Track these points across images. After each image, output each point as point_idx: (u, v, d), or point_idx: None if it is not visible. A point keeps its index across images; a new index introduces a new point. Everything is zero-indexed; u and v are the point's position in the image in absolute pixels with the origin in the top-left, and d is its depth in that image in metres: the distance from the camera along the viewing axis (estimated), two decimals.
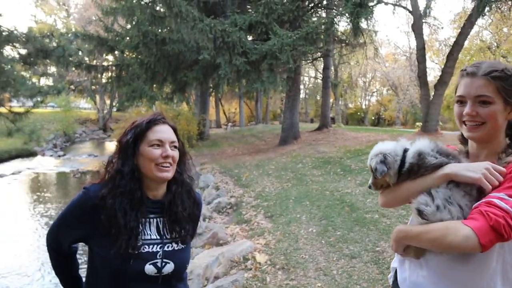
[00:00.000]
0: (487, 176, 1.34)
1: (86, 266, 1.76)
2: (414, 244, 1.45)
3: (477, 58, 30.72)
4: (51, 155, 25.24)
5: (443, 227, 1.32)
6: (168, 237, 1.73)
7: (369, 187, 1.66)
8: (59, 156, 25.14)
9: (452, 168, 1.42)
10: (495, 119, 1.42)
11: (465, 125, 1.49)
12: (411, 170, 1.51)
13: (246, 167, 12.41)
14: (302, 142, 15.56)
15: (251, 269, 4.91)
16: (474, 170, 1.37)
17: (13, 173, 17.53)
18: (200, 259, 5.68)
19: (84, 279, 1.80)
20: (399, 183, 1.56)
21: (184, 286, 1.85)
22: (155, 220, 1.73)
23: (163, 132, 1.71)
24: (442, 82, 15.23)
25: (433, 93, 15.63)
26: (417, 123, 23.02)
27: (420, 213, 1.41)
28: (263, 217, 7.13)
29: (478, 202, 1.32)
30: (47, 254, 1.83)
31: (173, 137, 1.74)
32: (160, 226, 1.73)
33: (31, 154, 24.04)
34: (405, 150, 1.55)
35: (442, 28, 44.40)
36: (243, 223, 7.07)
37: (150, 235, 1.69)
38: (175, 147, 1.74)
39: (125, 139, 1.70)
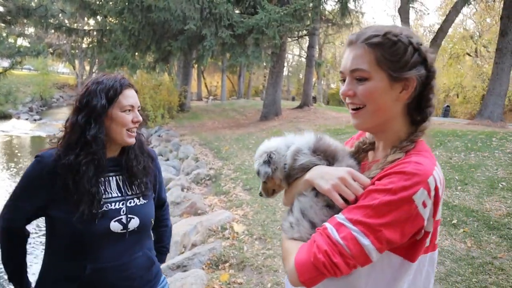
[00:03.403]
0: (339, 188, 1.08)
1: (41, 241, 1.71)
2: None
3: (459, 46, 31.18)
4: (27, 119, 24.69)
5: (285, 250, 1.15)
6: (129, 193, 1.75)
7: (260, 194, 1.40)
8: (35, 120, 24.60)
9: (311, 173, 1.18)
10: (374, 101, 1.11)
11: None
12: (290, 172, 1.26)
13: (226, 141, 12.46)
14: (283, 119, 15.66)
15: (228, 238, 5.02)
16: (328, 178, 1.12)
17: None
18: (178, 227, 5.76)
19: (42, 255, 1.77)
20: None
21: (152, 242, 1.91)
22: (114, 178, 1.74)
23: (133, 97, 1.72)
24: None
25: None
26: None
27: (283, 230, 1.23)
28: (241, 190, 7.23)
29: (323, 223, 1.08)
30: None
31: (138, 101, 1.77)
32: (120, 183, 1.75)
33: (5, 116, 23.52)
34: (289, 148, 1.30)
35: (428, 14, 44.65)
36: (222, 194, 7.16)
37: (111, 193, 1.70)
38: (139, 111, 1.76)
39: (99, 102, 1.64)
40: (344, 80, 1.17)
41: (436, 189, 1.01)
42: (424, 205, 1.00)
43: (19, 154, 14.35)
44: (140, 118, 1.73)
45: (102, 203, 1.64)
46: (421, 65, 1.10)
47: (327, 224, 1.05)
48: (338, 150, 1.25)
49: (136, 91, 1.78)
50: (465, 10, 28.91)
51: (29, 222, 1.71)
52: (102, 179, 1.69)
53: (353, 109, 1.16)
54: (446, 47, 30.09)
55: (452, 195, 5.58)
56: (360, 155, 1.31)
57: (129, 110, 1.70)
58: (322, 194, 1.13)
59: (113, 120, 1.66)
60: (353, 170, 1.13)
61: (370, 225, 0.99)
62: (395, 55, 1.08)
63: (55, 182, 1.59)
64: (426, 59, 1.11)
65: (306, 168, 1.20)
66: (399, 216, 0.99)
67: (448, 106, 24.98)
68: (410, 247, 1.07)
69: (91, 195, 1.60)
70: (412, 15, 25.00)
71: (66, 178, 1.59)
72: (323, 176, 1.13)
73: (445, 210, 5.09)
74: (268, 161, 1.29)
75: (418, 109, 1.15)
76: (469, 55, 32.13)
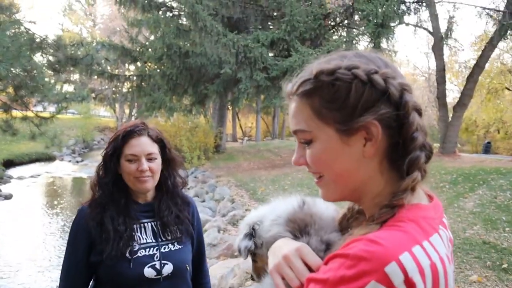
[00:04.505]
0: (281, 269, 0.85)
1: None
2: None
3: (497, 80, 30.50)
4: (69, 161, 25.66)
5: None
6: (164, 239, 1.78)
7: (251, 278, 1.17)
8: (77, 162, 25.52)
9: (271, 248, 0.95)
10: (328, 167, 0.83)
11: None
12: (268, 246, 1.01)
13: (261, 182, 12.48)
14: None
15: None
16: (276, 255, 0.89)
17: (32, 176, 17.94)
18: (215, 270, 5.75)
19: None
20: None
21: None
22: (149, 224, 1.79)
23: (138, 145, 1.73)
24: (461, 104, 15.20)
25: (451, 115, 15.59)
26: (435, 145, 22.84)
27: None
28: None
29: None
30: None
31: (149, 149, 1.75)
32: (155, 229, 1.79)
33: (50, 158, 24.49)
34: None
35: (463, 50, 44.13)
36: None
37: (146, 239, 1.75)
38: (152, 159, 1.76)
39: (106, 152, 1.76)
40: None
41: (409, 283, 0.65)
42: None
43: (62, 194, 14.91)
44: (145, 167, 1.72)
45: (136, 248, 1.70)
46: (380, 102, 0.77)
47: None
48: (319, 220, 0.98)
49: (155, 137, 1.80)
50: (502, 44, 28.48)
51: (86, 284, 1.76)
52: (138, 225, 1.76)
53: (316, 178, 0.89)
54: (484, 82, 29.40)
55: (500, 237, 5.35)
56: (347, 227, 0.98)
57: (133, 160, 1.73)
58: None
59: (122, 169, 1.75)
60: (304, 247, 0.87)
61: None
62: (336, 100, 0.78)
63: (92, 228, 1.70)
64: (387, 91, 0.77)
65: (273, 242, 0.97)
66: None
67: (489, 142, 24.25)
68: None
69: (118, 233, 1.68)
70: (446, 51, 24.86)
71: (97, 220, 1.70)
72: (274, 252, 0.90)
73: (494, 253, 4.87)
74: (251, 234, 1.08)
75: (402, 158, 0.79)
76: (508, 89, 31.32)
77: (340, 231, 0.97)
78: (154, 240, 1.76)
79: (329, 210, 1.03)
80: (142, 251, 1.71)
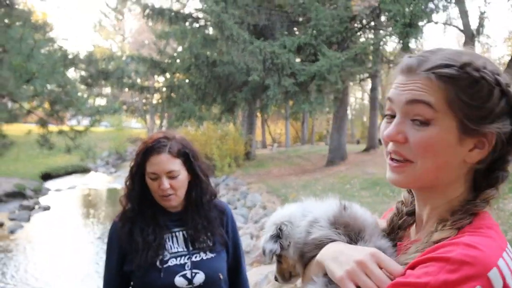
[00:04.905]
0: (356, 276, 0.76)
1: None
2: None
3: None
4: (104, 172, 26.30)
5: None
6: (195, 248, 1.77)
7: (275, 279, 1.11)
8: (111, 173, 26.10)
9: (323, 252, 0.87)
10: (433, 157, 0.78)
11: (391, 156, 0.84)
12: (303, 249, 0.97)
13: (293, 187, 12.41)
14: (350, 163, 15.39)
15: None
16: (342, 260, 0.80)
17: (69, 188, 18.48)
18: (249, 277, 5.64)
19: None
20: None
21: None
22: (181, 233, 1.79)
23: (158, 164, 1.69)
24: None
25: None
26: None
27: None
28: None
29: None
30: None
31: (170, 166, 1.70)
32: (187, 238, 1.78)
33: (85, 170, 25.10)
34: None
35: (496, 46, 42.60)
36: None
37: (177, 248, 1.75)
38: (173, 176, 1.71)
39: (132, 166, 1.77)
40: (390, 116, 0.83)
41: None
42: None
43: (98, 205, 15.30)
44: (166, 186, 1.68)
45: (167, 258, 1.70)
46: (507, 117, 0.77)
47: None
48: (367, 225, 0.94)
49: (176, 153, 1.73)
50: None
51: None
52: (170, 234, 1.77)
53: (395, 160, 0.82)
54: None
55: None
56: (396, 233, 0.96)
57: (155, 178, 1.70)
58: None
59: (147, 185, 1.75)
60: (378, 252, 0.80)
61: None
62: (476, 99, 0.75)
63: (123, 240, 1.74)
64: None
65: (320, 245, 0.91)
66: None
67: None
68: None
69: (147, 243, 1.69)
70: (478, 48, 24.11)
71: (127, 231, 1.74)
72: (337, 258, 0.82)
73: None
74: (278, 235, 1.02)
75: (487, 172, 0.81)
76: None
77: (388, 233, 0.96)
78: (185, 249, 1.76)
79: (367, 215, 0.99)
80: (173, 260, 1.71)
